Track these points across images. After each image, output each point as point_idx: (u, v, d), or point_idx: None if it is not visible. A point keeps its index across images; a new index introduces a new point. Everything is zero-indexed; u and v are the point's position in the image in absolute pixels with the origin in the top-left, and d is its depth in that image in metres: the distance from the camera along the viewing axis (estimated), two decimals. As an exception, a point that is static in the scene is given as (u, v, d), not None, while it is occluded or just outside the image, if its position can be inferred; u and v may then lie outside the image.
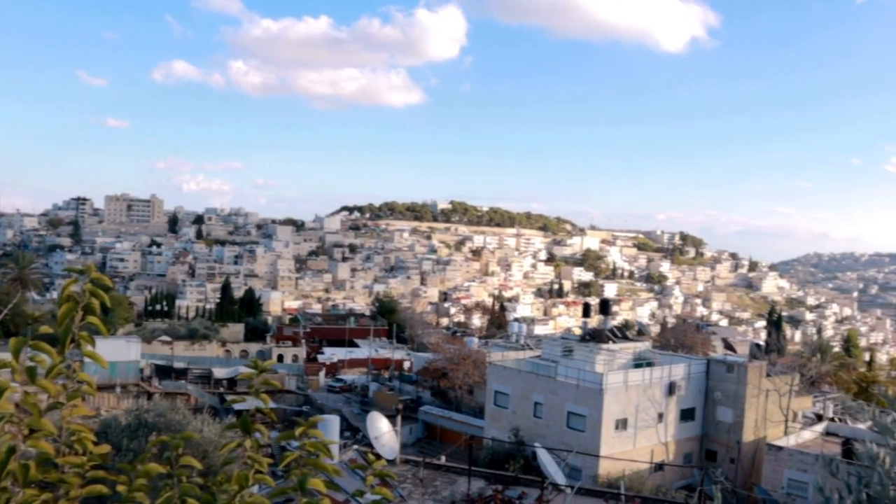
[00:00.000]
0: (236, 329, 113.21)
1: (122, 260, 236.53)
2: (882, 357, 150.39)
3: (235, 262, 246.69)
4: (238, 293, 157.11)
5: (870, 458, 2.50)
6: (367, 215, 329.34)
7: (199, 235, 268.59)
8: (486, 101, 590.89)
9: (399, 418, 34.84)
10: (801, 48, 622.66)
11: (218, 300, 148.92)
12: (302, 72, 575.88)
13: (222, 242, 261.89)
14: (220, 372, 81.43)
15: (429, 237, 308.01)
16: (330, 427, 28.71)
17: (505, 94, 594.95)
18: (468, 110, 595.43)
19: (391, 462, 32.89)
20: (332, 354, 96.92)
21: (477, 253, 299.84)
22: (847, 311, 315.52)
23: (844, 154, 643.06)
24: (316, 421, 2.77)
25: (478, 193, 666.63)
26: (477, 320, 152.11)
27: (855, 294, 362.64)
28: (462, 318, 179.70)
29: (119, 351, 70.04)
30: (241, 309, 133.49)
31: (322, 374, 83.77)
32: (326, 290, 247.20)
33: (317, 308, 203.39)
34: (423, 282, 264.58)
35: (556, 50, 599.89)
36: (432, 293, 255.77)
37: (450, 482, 32.51)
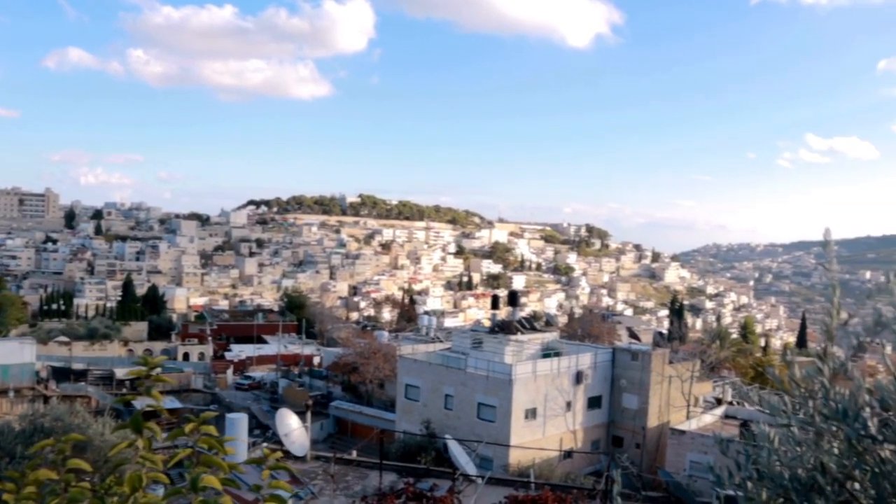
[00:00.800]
0: (139, 328, 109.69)
1: (13, 257, 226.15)
2: (776, 342, 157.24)
3: (137, 259, 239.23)
4: (141, 290, 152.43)
5: (762, 437, 2.57)
6: (275, 209, 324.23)
7: (98, 231, 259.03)
8: (394, 95, 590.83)
9: (309, 414, 34.47)
10: (699, 47, 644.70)
11: (119, 298, 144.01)
12: (206, 62, 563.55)
13: (123, 238, 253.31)
14: (122, 372, 78.72)
15: (338, 231, 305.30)
16: (238, 425, 28.17)
17: (413, 87, 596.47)
18: (377, 103, 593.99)
19: (302, 459, 32.50)
20: (239, 351, 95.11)
21: (386, 246, 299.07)
22: (744, 300, 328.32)
23: (740, 149, 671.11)
24: (207, 417, 2.66)
25: (387, 187, 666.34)
26: (387, 314, 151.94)
27: (751, 283, 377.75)
28: (372, 311, 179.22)
29: (12, 353, 66.82)
30: (144, 307, 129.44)
31: (230, 371, 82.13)
32: (233, 286, 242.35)
33: (224, 304, 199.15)
34: (332, 276, 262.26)
35: (465, 44, 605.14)
36: (342, 287, 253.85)
37: (361, 477, 32.36)
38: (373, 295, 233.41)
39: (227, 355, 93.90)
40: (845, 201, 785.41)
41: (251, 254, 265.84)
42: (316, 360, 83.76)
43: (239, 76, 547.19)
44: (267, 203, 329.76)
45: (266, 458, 2.79)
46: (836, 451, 2.28)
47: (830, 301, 2.62)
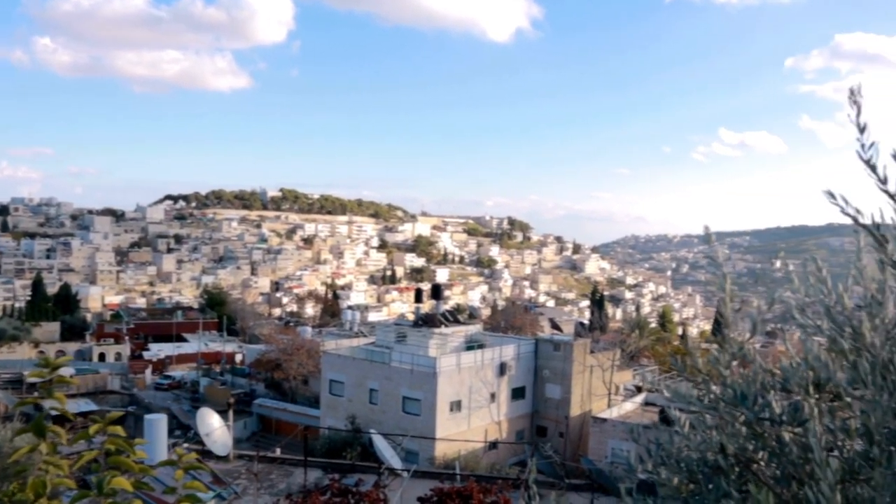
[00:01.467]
0: (51, 328, 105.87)
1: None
2: (693, 330, 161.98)
3: (48, 256, 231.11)
4: (52, 289, 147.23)
5: (674, 423, 2.66)
6: (193, 204, 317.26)
7: (4, 228, 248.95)
8: (315, 87, 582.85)
9: (231, 413, 33.90)
10: (616, 41, 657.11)
11: (29, 298, 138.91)
12: (118, 52, 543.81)
13: (32, 235, 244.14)
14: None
15: (259, 226, 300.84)
16: (157, 426, 27.48)
17: (335, 80, 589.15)
18: (297, 96, 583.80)
19: (224, 458, 31.95)
20: (158, 351, 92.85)
21: (308, 241, 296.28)
22: (662, 289, 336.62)
23: (657, 142, 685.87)
24: (113, 417, 2.59)
25: (308, 181, 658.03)
26: (310, 309, 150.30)
27: (668, 273, 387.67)
28: (295, 307, 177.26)
29: (-86, 357, 63.78)
30: (55, 306, 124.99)
31: (148, 371, 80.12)
32: (151, 284, 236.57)
33: (141, 302, 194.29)
34: (253, 272, 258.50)
35: (386, 37, 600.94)
36: (263, 283, 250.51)
37: (286, 474, 32.04)
38: (295, 290, 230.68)
39: (146, 355, 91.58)
40: (757, 193, 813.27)
41: (169, 250, 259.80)
42: (238, 358, 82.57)
43: (154, 67, 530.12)
44: (185, 198, 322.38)
45: (181, 459, 2.73)
46: (739, 434, 2.38)
47: (723, 290, 2.72)
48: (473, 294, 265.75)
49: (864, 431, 2.09)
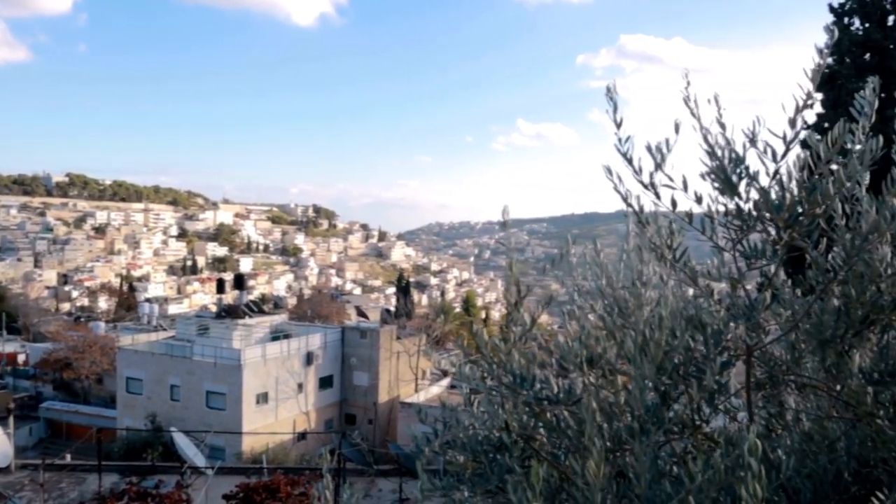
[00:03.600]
0: None
1: None
2: (496, 314, 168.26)
3: None
4: None
5: (467, 402, 2.80)
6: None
7: None
8: (106, 66, 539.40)
9: (11, 419, 31.46)
10: (417, 30, 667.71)
11: None
12: None
13: None
14: None
15: (43, 214, 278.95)
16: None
17: (128, 59, 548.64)
18: (86, 74, 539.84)
19: (5, 470, 29.65)
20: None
21: (100, 230, 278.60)
22: (466, 275, 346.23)
23: (459, 132, 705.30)
24: None
25: (100, 166, 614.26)
26: (103, 303, 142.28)
27: (471, 259, 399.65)
28: (86, 301, 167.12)
29: None
30: None
31: None
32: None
33: None
34: (37, 264, 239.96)
35: (184, 15, 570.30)
36: (49, 276, 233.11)
37: (78, 482, 30.23)
38: (86, 283, 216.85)
39: None
40: (553, 181, 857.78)
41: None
42: (21, 359, 76.58)
43: None
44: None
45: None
46: (520, 412, 2.54)
47: (509, 278, 2.88)
48: (279, 283, 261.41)
49: (629, 406, 2.29)
